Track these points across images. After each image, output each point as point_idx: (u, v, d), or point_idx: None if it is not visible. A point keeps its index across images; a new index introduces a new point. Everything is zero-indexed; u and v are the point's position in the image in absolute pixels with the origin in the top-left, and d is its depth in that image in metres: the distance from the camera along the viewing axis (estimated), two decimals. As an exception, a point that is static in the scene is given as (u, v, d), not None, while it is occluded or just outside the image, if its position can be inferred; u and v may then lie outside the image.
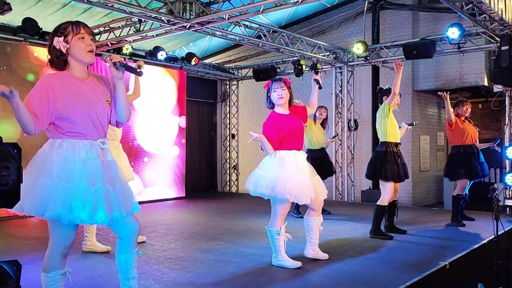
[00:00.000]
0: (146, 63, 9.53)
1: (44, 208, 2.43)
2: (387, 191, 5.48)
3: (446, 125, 6.52)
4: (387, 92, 5.62)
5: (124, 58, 2.67)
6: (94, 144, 2.60)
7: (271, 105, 4.35)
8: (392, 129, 5.55)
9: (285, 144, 4.21)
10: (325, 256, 4.50)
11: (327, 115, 7.30)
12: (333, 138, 8.16)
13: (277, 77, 4.49)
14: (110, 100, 2.72)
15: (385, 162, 5.46)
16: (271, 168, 4.18)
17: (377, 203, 5.56)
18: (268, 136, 4.15)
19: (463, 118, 6.41)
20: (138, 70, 2.63)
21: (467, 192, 6.46)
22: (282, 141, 4.20)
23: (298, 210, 6.97)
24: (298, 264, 4.20)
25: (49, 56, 2.65)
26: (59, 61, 2.61)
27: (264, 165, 4.27)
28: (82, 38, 2.59)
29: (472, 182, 6.44)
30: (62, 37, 2.58)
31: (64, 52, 2.59)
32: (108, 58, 2.60)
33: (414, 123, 6.34)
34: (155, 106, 9.39)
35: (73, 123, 2.55)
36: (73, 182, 2.48)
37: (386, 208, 5.56)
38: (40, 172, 2.50)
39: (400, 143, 5.68)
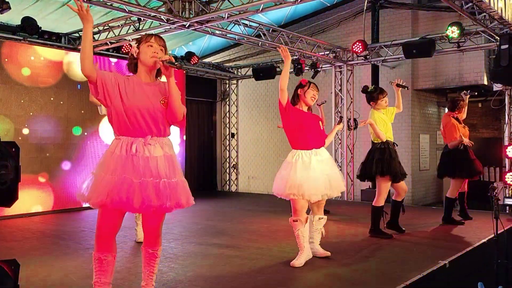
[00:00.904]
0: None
1: (91, 196, 2.78)
2: (383, 191, 5.44)
3: (447, 129, 6.32)
4: (371, 96, 5.62)
5: (170, 55, 2.98)
6: (138, 141, 2.87)
7: (297, 100, 4.44)
8: (386, 130, 5.53)
9: (299, 142, 4.32)
10: (325, 253, 4.51)
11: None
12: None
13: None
14: (164, 101, 2.96)
15: (391, 158, 5.41)
16: (282, 170, 4.37)
17: (373, 204, 5.52)
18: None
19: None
20: (176, 64, 2.92)
21: (466, 189, 6.46)
22: (297, 138, 4.33)
23: None
24: (301, 263, 4.24)
25: (128, 61, 3.07)
26: (131, 64, 3.03)
27: (282, 165, 4.45)
28: (151, 46, 2.96)
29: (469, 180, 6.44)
30: (136, 44, 3.01)
31: (135, 56, 2.99)
32: (159, 59, 2.91)
33: (406, 88, 6.02)
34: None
35: (126, 120, 2.85)
36: (116, 175, 2.77)
37: (383, 207, 5.49)
38: (96, 168, 2.90)
39: (397, 144, 5.65)
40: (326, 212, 7.17)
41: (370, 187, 9.91)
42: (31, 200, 7.39)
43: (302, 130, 4.32)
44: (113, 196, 2.74)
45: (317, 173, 4.23)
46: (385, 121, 5.53)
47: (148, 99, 2.90)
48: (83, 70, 2.74)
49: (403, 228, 5.76)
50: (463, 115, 6.48)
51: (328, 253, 4.52)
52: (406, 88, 5.97)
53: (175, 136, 9.83)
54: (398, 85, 5.80)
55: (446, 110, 6.75)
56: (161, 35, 9.06)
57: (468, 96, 6.51)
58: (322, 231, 4.56)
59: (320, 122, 4.51)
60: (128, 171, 2.79)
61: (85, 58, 2.73)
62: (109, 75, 2.87)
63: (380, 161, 5.44)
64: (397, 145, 5.67)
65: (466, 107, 6.52)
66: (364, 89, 5.74)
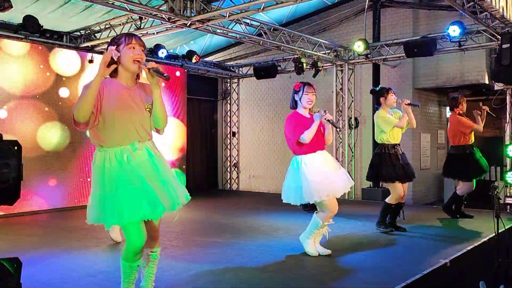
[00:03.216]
0: (146, 61, 9.49)
1: (102, 219, 2.77)
2: (394, 191, 5.55)
3: (461, 127, 6.38)
4: (380, 92, 5.66)
5: (158, 64, 2.83)
6: (127, 150, 2.79)
7: (294, 105, 4.53)
8: (393, 133, 5.56)
9: (305, 146, 4.35)
10: (326, 251, 4.55)
11: None
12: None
13: (306, 81, 4.63)
14: (149, 108, 2.89)
15: (379, 164, 5.58)
16: (292, 177, 4.42)
17: (385, 200, 5.68)
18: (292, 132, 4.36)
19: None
20: (165, 75, 2.78)
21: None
22: (302, 143, 4.35)
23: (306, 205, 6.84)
24: (315, 253, 4.42)
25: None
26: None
27: (288, 175, 4.52)
28: (133, 48, 2.80)
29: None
30: (115, 46, 2.80)
31: (116, 60, 2.76)
32: (144, 66, 2.79)
33: (418, 106, 5.76)
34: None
35: (111, 129, 2.76)
36: (115, 189, 2.73)
37: (393, 206, 5.59)
38: (95, 188, 2.82)
39: (399, 144, 5.66)
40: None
41: (371, 186, 9.92)
42: (33, 198, 7.40)
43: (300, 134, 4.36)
44: (134, 210, 2.71)
45: (326, 171, 4.34)
46: (391, 122, 5.56)
47: (134, 105, 2.81)
48: (79, 125, 2.69)
49: (404, 227, 5.76)
50: (480, 127, 6.45)
51: (329, 251, 4.55)
52: (417, 106, 5.75)
53: (174, 134, 9.84)
54: (409, 104, 5.49)
55: (448, 110, 6.78)
56: (162, 34, 9.01)
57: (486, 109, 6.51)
58: (326, 231, 4.58)
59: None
60: (128, 181, 2.75)
61: (85, 112, 2.64)
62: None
63: (371, 167, 5.73)
64: (399, 145, 5.67)
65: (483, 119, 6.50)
66: (373, 89, 5.85)
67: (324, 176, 4.30)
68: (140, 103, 2.85)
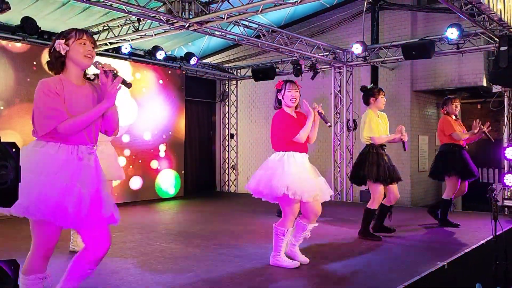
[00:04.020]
0: (145, 62, 9.54)
1: (31, 208, 2.45)
2: (375, 193, 5.39)
3: (443, 126, 6.24)
4: (371, 92, 5.52)
5: (115, 68, 2.69)
6: (77, 149, 2.62)
7: (279, 105, 4.31)
8: (377, 132, 5.42)
9: (288, 145, 4.19)
10: (304, 259, 4.34)
11: None
12: None
13: (289, 79, 4.46)
14: None
15: (363, 163, 5.37)
16: (269, 168, 4.19)
17: (367, 206, 5.48)
18: (283, 133, 4.17)
19: (454, 117, 6.34)
20: (127, 82, 2.70)
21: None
22: (286, 142, 4.20)
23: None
24: (296, 264, 4.19)
25: (48, 58, 2.72)
26: (57, 62, 2.67)
27: (263, 165, 4.29)
28: (84, 44, 2.66)
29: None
30: (64, 40, 2.65)
31: (63, 54, 2.64)
32: (100, 65, 2.65)
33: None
34: (154, 105, 9.39)
35: None
36: (53, 180, 2.50)
37: (375, 211, 5.43)
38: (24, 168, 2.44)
39: (385, 145, 5.51)
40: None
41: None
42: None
43: (293, 134, 4.17)
44: (70, 208, 2.49)
45: (306, 173, 4.14)
46: (378, 124, 5.44)
47: (87, 106, 2.65)
48: (72, 133, 2.56)
49: (393, 228, 5.69)
50: (461, 135, 6.19)
51: (307, 260, 4.33)
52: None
53: (172, 136, 9.84)
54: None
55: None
56: (160, 36, 8.97)
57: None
58: (308, 235, 4.37)
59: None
60: (66, 178, 2.53)
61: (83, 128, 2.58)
62: (54, 92, 2.58)
63: (354, 166, 5.55)
64: (385, 146, 5.52)
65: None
66: (364, 87, 5.69)
67: (302, 176, 4.08)
68: (93, 103, 2.70)
